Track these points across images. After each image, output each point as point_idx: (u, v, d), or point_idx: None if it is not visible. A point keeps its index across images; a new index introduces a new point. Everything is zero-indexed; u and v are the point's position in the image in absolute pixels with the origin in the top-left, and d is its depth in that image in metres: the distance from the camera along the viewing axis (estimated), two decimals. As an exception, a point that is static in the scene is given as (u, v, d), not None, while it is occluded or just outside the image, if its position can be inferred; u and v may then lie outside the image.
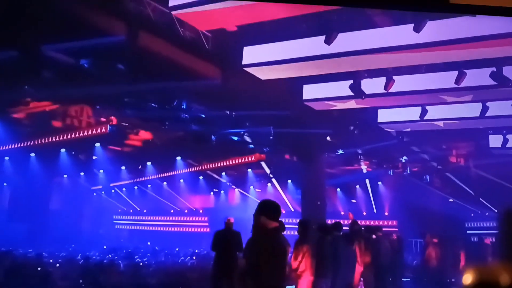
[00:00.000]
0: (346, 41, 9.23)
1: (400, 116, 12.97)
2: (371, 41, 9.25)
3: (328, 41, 8.83)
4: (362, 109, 12.52)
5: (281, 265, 4.48)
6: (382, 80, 10.82)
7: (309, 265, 6.38)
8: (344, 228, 8.72)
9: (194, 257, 16.43)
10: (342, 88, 11.17)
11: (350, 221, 9.13)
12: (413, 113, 12.43)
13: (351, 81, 10.86)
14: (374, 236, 9.05)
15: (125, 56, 10.91)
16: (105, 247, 20.48)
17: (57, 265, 13.15)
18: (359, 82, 10.68)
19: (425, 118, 12.18)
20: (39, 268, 12.02)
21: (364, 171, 19.66)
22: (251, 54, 10.05)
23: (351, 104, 11.99)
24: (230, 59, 10.31)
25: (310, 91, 11.64)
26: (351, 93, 11.09)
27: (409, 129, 13.99)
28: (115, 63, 11.79)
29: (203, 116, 15.26)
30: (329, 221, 12.89)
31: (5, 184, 21.94)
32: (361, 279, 8.61)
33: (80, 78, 12.06)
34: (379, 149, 15.99)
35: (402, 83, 10.77)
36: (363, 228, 9.22)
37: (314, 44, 9.46)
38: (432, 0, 4.48)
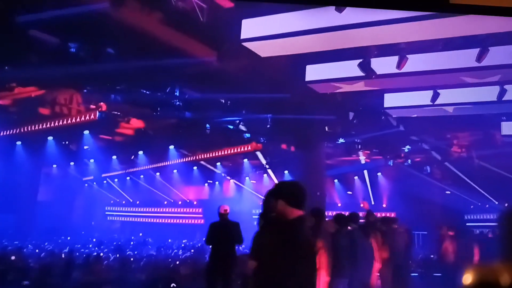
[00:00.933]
0: (355, 11, 7.97)
1: (408, 101, 11.69)
2: (383, 11, 7.97)
3: (339, 9, 7.56)
4: (368, 92, 11.25)
5: (310, 270, 3.20)
6: (393, 60, 9.58)
7: (325, 263, 5.13)
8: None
9: (192, 250, 15.20)
10: (349, 68, 9.89)
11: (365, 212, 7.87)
12: (423, 97, 11.16)
13: (359, 60, 9.60)
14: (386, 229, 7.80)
15: (110, 31, 9.54)
16: (94, 239, 19.30)
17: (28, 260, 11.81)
18: (369, 60, 9.41)
19: (436, 102, 10.90)
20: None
21: (363, 161, 18.45)
22: (250, 27, 8.73)
23: (358, 86, 10.73)
24: (227, 33, 8.98)
25: (313, 72, 10.33)
26: (358, 74, 9.83)
27: (415, 115, 12.72)
28: (99, 40, 10.48)
29: (197, 102, 13.99)
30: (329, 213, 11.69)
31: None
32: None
33: (62, 56, 10.78)
34: (381, 138, 14.71)
35: (415, 62, 9.51)
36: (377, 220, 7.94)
37: (321, 16, 8.18)
38: (432, 0, 4.40)
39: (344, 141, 15.37)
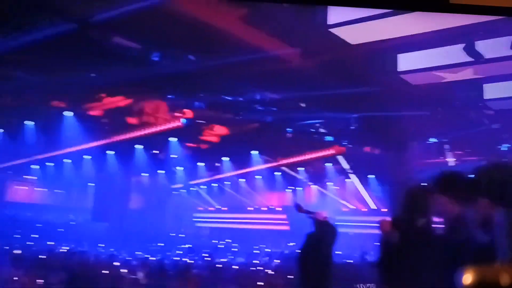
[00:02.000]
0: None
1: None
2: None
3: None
4: (467, 82, 9.47)
5: None
6: (498, 42, 7.84)
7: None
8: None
9: (278, 260, 14.01)
10: (448, 53, 8.23)
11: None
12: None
13: (461, 45, 7.93)
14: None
15: (187, 34, 8.51)
16: (185, 246, 18.60)
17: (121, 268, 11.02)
18: (474, 43, 7.71)
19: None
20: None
21: (453, 163, 16.35)
22: (338, 9, 7.31)
23: (458, 76, 8.99)
24: (311, 19, 7.62)
25: (408, 60, 8.72)
26: (461, 60, 8.15)
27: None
28: (179, 45, 9.56)
29: (278, 104, 12.86)
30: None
31: (91, 184, 20.38)
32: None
33: (144, 63, 10.04)
34: (476, 135, 12.72)
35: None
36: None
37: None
38: (432, 0, 4.38)
39: (436, 140, 13.51)
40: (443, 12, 4.62)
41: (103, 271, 10.30)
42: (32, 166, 18.35)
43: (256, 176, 21.17)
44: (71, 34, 8.03)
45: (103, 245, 16.33)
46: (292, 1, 6.16)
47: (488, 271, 1.48)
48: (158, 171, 20.91)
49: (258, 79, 10.87)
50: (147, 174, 21.26)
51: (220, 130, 15.11)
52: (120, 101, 13.66)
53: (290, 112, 13.19)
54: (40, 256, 12.39)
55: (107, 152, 17.31)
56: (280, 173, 21.01)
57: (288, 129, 14.37)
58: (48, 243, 15.70)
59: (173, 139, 16.06)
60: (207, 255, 15.07)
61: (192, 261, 13.06)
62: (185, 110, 13.76)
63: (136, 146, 16.74)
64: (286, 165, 18.64)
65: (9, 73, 10.91)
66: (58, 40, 8.03)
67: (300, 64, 9.16)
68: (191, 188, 24.17)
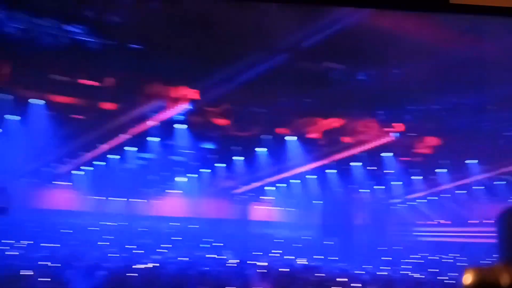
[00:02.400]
0: None
1: None
2: None
3: None
4: None
5: None
6: None
7: None
8: None
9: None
10: None
11: None
12: None
13: None
14: None
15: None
16: (412, 260, 18.00)
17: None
18: None
19: None
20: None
21: None
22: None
23: None
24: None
25: None
26: None
27: None
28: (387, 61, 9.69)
29: (493, 109, 11.87)
30: None
31: (318, 202, 21.31)
32: None
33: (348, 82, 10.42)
34: None
35: None
36: None
37: None
38: (432, 0, 4.19)
39: None
40: (443, 12, 4.50)
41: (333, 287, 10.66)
42: (267, 188, 19.92)
43: (475, 187, 19.39)
44: (282, 64, 8.86)
45: (336, 259, 16.77)
46: (295, 1, 6.12)
47: (488, 271, 1.44)
48: (375, 187, 20.83)
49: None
50: (367, 190, 21.38)
51: (432, 141, 14.50)
52: (333, 122, 14.28)
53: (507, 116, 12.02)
54: (281, 269, 13.34)
55: (328, 171, 18.04)
56: (504, 182, 18.87)
57: (505, 134, 13.05)
58: (286, 257, 16.87)
59: (387, 154, 15.93)
60: (437, 270, 14.33)
61: (423, 276, 12.61)
62: (395, 124, 13.66)
63: (352, 163, 17.05)
64: (506, 173, 16.71)
65: (235, 109, 12.45)
66: (271, 71, 8.94)
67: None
68: (408, 203, 23.27)
